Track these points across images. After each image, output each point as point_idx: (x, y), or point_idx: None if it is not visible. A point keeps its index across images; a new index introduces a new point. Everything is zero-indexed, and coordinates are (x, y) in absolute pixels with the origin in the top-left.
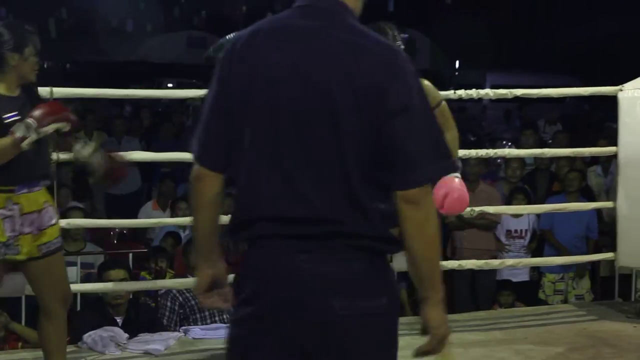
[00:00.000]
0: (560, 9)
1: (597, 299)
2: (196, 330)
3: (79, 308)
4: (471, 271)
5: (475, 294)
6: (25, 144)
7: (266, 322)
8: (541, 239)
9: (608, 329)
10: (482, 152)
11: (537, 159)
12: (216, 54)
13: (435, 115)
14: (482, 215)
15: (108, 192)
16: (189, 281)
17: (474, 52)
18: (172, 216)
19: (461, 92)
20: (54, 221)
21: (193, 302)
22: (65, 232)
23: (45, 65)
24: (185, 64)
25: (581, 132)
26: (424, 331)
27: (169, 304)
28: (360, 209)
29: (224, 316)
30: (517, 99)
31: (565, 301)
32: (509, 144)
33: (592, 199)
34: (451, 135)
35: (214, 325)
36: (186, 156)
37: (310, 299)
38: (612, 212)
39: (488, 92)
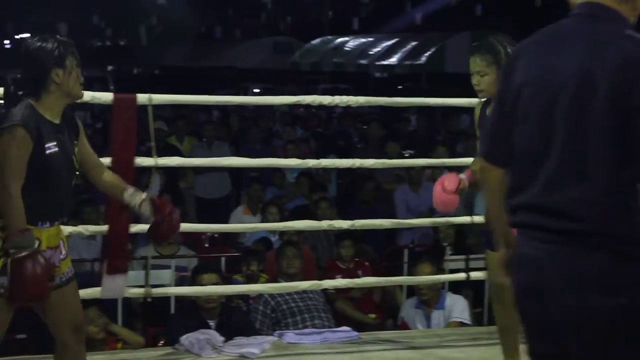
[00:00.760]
0: None
1: None
2: (290, 335)
3: (172, 311)
4: None
5: None
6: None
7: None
8: None
9: None
10: None
11: None
12: (302, 59)
13: None
14: None
15: (199, 196)
16: (281, 286)
17: None
18: (262, 221)
19: None
20: (64, 255)
21: (285, 307)
22: None
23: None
24: (271, 70)
25: None
26: None
27: (261, 307)
28: (616, 205)
29: (316, 322)
30: None
31: None
32: None
33: None
34: None
35: (307, 330)
36: (277, 162)
37: (565, 291)
38: None
39: None
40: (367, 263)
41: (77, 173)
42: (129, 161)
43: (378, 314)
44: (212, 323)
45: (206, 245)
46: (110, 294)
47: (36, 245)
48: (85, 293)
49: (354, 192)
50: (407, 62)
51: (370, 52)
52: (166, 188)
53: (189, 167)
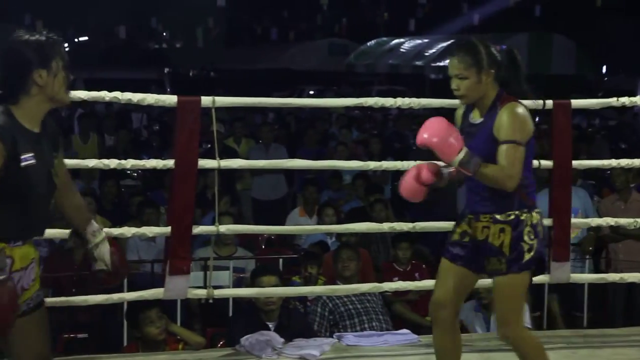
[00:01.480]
0: None
1: None
2: (350, 337)
3: (230, 312)
4: (628, 284)
5: (631, 307)
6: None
7: None
8: None
9: None
10: (635, 162)
11: None
12: (357, 61)
13: None
14: None
15: (255, 198)
16: (341, 288)
17: (624, 57)
18: (318, 223)
19: (624, 100)
20: (33, 277)
21: (342, 309)
22: (217, 237)
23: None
24: (326, 71)
25: None
26: None
27: (319, 309)
28: None
29: (374, 324)
30: None
31: None
32: None
33: None
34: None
35: (367, 332)
36: (338, 164)
37: None
38: None
39: None
40: (424, 265)
41: (55, 187)
42: (192, 163)
43: None
44: (271, 325)
45: (262, 246)
46: (173, 295)
47: (7, 266)
48: (148, 294)
49: None
50: None
51: (426, 54)
52: (223, 189)
53: (246, 169)
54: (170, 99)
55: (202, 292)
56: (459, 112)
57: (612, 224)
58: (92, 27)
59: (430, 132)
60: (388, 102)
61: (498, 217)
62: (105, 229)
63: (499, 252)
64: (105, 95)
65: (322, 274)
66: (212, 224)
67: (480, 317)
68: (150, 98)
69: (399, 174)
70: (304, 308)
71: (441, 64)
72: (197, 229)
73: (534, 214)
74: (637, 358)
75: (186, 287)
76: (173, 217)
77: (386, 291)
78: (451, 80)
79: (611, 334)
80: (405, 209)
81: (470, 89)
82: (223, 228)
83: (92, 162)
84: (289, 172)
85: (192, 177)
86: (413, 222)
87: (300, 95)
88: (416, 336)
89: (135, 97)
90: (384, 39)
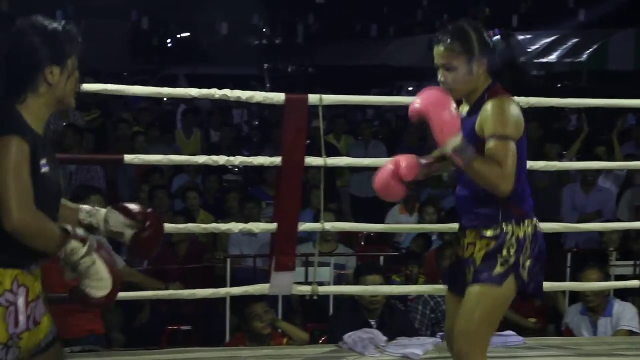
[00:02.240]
0: None
1: None
2: None
3: (331, 309)
4: None
5: None
6: (70, 271)
7: None
8: None
9: None
10: None
11: None
12: None
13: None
14: None
15: (354, 194)
16: (443, 287)
17: None
18: (419, 221)
19: None
20: (43, 310)
21: (444, 307)
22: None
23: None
24: (426, 68)
25: None
26: None
27: (420, 308)
28: None
29: None
30: None
31: None
32: None
33: None
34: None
35: None
36: None
37: None
38: None
39: None
40: None
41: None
42: (299, 161)
43: (539, 318)
44: (373, 322)
45: (362, 243)
46: (279, 291)
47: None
48: (254, 289)
49: None
50: (567, 60)
51: (528, 50)
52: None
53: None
54: (279, 97)
55: (306, 289)
56: None
57: None
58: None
59: (427, 102)
60: None
61: (485, 232)
62: (212, 225)
63: (472, 262)
64: (215, 92)
65: (422, 273)
66: (311, 220)
67: (586, 320)
68: (258, 96)
69: None
70: (404, 307)
71: (544, 60)
72: (303, 226)
73: (523, 226)
74: None
75: (291, 283)
76: (279, 214)
77: None
78: (438, 72)
79: None
80: None
81: (460, 81)
82: (328, 225)
83: (202, 159)
84: None
85: (299, 174)
86: None
87: (399, 92)
88: (522, 338)
89: (244, 94)
90: None
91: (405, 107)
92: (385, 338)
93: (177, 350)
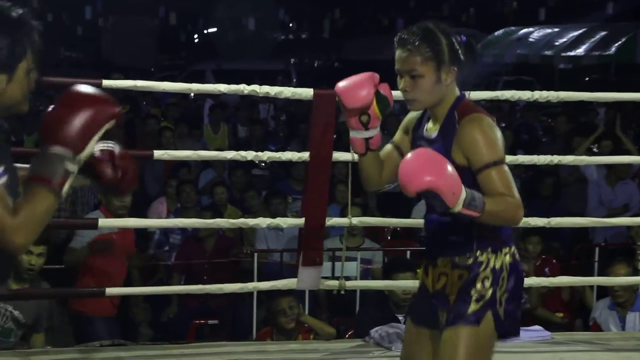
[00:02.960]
0: None
1: None
2: None
3: (357, 303)
4: None
5: None
6: (66, 191)
7: None
8: None
9: None
10: None
11: None
12: (484, 51)
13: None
14: None
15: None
16: None
17: None
18: None
19: None
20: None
21: None
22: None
23: (315, 64)
24: None
25: None
26: None
27: None
28: None
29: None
30: None
31: None
32: None
33: None
34: None
35: None
36: None
37: None
38: None
39: None
40: (554, 260)
41: None
42: (327, 157)
43: (566, 313)
44: (401, 317)
45: (388, 237)
46: (306, 286)
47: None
48: (281, 284)
49: (535, 188)
50: (595, 53)
51: (556, 43)
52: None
53: None
54: (307, 92)
55: (333, 283)
56: (412, 115)
57: None
58: (220, 20)
59: (433, 175)
60: (525, 95)
61: (458, 261)
62: (240, 220)
63: (443, 299)
64: (244, 88)
65: None
66: (337, 214)
67: (614, 315)
68: (286, 91)
69: (529, 167)
70: None
71: (572, 53)
72: (330, 221)
73: (500, 254)
74: None
75: (319, 278)
76: (307, 209)
77: None
78: (398, 79)
79: None
80: (531, 203)
81: (425, 90)
82: (355, 220)
83: (230, 154)
84: None
85: (326, 169)
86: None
87: None
88: (549, 333)
89: (272, 90)
90: (512, 28)
91: None
92: None
93: (204, 344)
